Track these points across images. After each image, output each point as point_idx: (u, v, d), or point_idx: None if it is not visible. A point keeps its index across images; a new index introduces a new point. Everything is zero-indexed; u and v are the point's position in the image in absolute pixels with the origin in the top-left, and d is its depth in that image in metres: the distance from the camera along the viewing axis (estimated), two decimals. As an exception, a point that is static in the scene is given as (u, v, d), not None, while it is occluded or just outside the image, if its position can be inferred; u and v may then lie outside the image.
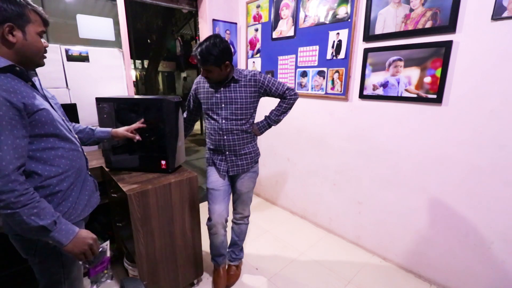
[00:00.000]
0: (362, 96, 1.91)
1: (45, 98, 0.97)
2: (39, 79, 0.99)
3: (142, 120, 1.43)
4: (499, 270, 1.50)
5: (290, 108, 1.61)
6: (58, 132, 0.94)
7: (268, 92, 1.56)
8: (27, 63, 0.90)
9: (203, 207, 2.75)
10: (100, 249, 1.02)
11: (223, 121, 1.51)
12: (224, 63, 1.38)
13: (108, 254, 1.03)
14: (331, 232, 2.35)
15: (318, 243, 2.21)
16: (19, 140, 0.81)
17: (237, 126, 1.52)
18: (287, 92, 1.55)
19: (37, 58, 0.92)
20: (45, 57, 0.97)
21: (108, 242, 1.06)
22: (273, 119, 1.63)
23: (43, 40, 0.93)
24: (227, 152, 1.56)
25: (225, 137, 1.53)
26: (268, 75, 1.56)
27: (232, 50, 1.52)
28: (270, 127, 1.65)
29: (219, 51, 1.34)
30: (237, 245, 1.83)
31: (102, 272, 1.72)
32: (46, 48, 0.96)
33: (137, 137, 1.38)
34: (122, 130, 1.35)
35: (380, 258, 2.03)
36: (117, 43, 2.08)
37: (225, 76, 1.45)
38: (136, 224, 1.34)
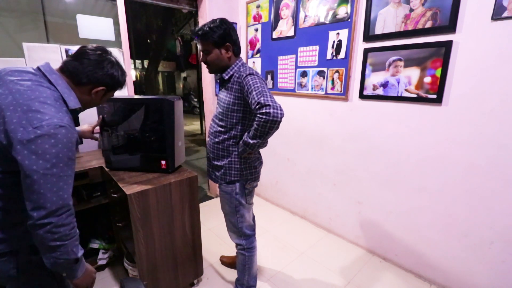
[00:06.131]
0: (362, 96, 1.91)
1: None
2: None
3: (101, 117, 1.46)
4: (499, 270, 1.50)
5: (263, 133, 1.17)
6: None
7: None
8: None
9: (203, 207, 2.77)
10: None
11: (211, 121, 1.43)
12: (224, 44, 1.27)
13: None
14: (331, 232, 2.35)
15: (318, 243, 2.21)
16: None
17: (216, 132, 1.37)
18: (257, 107, 1.14)
19: (87, 108, 1.00)
20: None
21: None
22: (245, 140, 1.27)
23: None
24: (209, 155, 1.46)
25: (207, 138, 1.48)
26: (255, 81, 1.20)
27: (238, 39, 1.33)
28: (246, 150, 1.29)
29: (220, 29, 1.24)
30: (237, 278, 1.65)
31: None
32: None
33: (96, 135, 1.45)
34: (88, 132, 1.42)
35: (380, 258, 2.03)
36: (117, 43, 2.08)
37: (226, 65, 1.32)
38: (136, 224, 1.34)
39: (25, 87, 0.78)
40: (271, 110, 1.11)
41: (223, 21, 1.27)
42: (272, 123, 1.13)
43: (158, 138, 1.47)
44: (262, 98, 1.13)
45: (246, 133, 1.27)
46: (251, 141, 1.23)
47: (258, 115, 1.14)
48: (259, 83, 1.19)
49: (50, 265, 0.81)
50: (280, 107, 1.13)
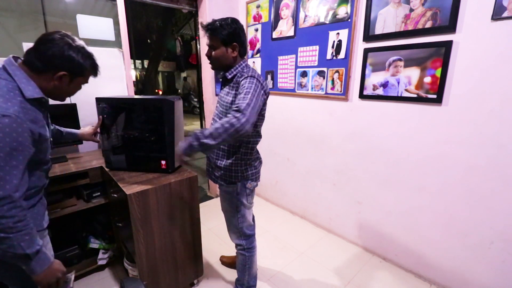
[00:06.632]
0: (362, 96, 1.91)
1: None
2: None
3: (101, 117, 1.47)
4: (499, 270, 1.50)
5: (220, 134, 1.05)
6: (43, 156, 0.96)
7: None
8: (51, 97, 0.96)
9: (203, 207, 2.77)
10: (66, 279, 1.01)
11: (212, 121, 1.42)
12: (231, 44, 1.27)
13: (72, 285, 1.03)
14: (331, 232, 2.35)
15: (318, 243, 2.21)
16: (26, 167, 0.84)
17: None
18: (234, 109, 1.09)
19: (61, 98, 0.99)
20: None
21: (73, 273, 1.06)
22: (197, 133, 1.10)
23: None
24: (210, 155, 1.43)
25: None
26: (251, 85, 1.16)
27: (246, 40, 1.34)
28: (194, 146, 1.10)
29: (230, 28, 1.26)
30: (237, 278, 1.66)
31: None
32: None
33: (98, 138, 1.51)
34: (88, 135, 1.45)
35: (380, 258, 2.03)
36: (117, 43, 2.08)
37: (229, 64, 1.31)
38: (136, 224, 1.34)
39: None
40: (243, 119, 1.05)
41: (234, 20, 1.29)
42: (234, 130, 1.05)
43: (158, 138, 1.47)
44: (244, 105, 1.08)
45: (201, 129, 1.14)
46: (204, 140, 1.08)
47: (230, 114, 1.09)
48: (253, 89, 1.14)
49: (0, 256, 0.81)
50: (252, 124, 1.08)
